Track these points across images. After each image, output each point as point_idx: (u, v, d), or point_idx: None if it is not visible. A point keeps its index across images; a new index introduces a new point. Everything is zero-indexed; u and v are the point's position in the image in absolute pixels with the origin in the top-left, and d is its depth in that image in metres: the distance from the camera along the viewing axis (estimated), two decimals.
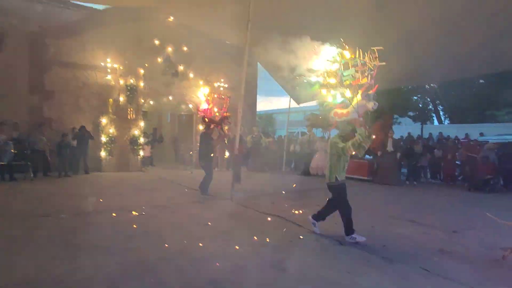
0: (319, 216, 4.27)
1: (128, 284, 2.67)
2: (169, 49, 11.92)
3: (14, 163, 7.68)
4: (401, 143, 11.73)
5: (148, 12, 11.25)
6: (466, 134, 15.73)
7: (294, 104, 14.62)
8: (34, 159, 8.24)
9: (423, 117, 20.57)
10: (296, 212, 5.53)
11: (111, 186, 7.46)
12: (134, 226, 4.30)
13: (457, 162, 10.74)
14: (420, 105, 20.34)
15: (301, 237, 4.08)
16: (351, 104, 3.94)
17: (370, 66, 3.98)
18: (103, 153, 10.32)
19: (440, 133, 16.60)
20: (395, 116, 21.88)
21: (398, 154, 9.92)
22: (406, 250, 3.78)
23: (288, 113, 14.60)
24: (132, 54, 11.00)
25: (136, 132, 10.97)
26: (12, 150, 7.57)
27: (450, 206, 6.80)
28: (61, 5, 9.94)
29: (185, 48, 12.24)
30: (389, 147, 9.99)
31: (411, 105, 19.61)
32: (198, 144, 7.72)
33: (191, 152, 12.48)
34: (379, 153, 10.27)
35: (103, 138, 10.33)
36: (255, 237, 3.98)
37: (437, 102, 20.66)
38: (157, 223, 4.53)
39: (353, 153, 3.92)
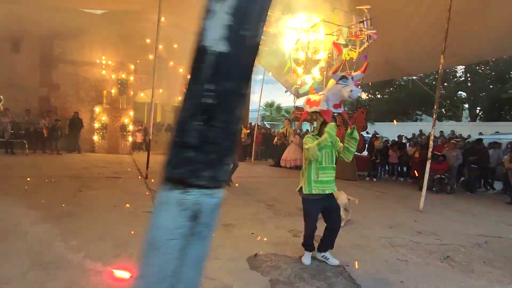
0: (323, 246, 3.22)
1: None
2: (160, 46, 13.29)
3: (12, 140, 9.80)
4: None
5: (141, 14, 12.71)
6: (480, 133, 14.11)
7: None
8: (33, 138, 10.33)
9: (441, 113, 18.75)
10: None
11: (74, 163, 9.04)
12: (26, 187, 5.57)
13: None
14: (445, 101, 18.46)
15: (135, 208, 4.87)
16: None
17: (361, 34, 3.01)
18: (95, 137, 12.18)
19: (452, 131, 15.17)
20: (418, 112, 20.30)
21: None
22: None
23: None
24: (125, 52, 12.64)
25: (126, 120, 12.63)
26: (11, 131, 9.68)
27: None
28: (67, 12, 11.90)
29: (175, 46, 13.50)
30: None
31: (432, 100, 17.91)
32: None
33: None
34: None
35: (96, 124, 12.18)
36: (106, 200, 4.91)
37: (459, 95, 18.58)
38: (51, 187, 5.72)
39: (316, 157, 2.91)
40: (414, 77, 12.93)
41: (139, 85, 13.07)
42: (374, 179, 9.99)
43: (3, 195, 4.92)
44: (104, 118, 12.29)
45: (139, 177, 7.51)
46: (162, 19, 13.31)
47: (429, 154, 5.80)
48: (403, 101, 19.48)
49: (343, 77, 2.84)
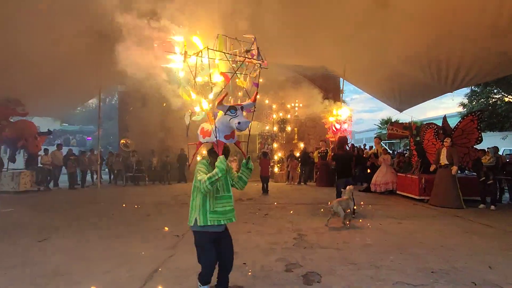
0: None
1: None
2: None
3: (136, 175, 12.63)
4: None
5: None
6: None
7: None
8: (149, 172, 13.04)
9: None
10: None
11: (172, 191, 10.76)
12: (113, 212, 7.11)
13: None
14: None
15: (171, 231, 5.48)
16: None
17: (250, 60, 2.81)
18: None
19: None
20: None
21: (454, 169, 7.70)
22: None
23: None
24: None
25: None
26: (135, 167, 12.54)
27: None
28: None
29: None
30: (443, 159, 7.99)
31: None
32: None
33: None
34: (431, 168, 8.36)
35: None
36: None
37: None
38: (132, 212, 7.11)
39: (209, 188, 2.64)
40: None
41: None
42: (493, 207, 7.52)
43: (93, 217, 6.48)
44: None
45: None
46: None
47: None
48: None
49: (232, 108, 2.67)
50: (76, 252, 4.28)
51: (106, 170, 14.97)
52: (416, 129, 11.55)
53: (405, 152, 14.82)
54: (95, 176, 13.11)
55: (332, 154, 8.29)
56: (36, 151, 10.94)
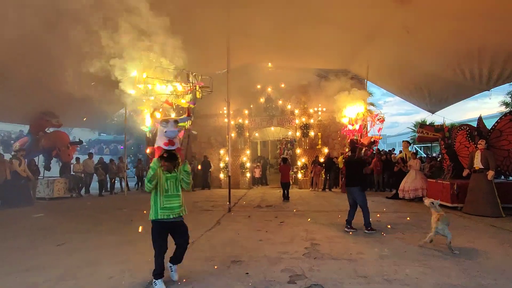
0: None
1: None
2: (269, 89, 14.53)
3: None
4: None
5: (253, 65, 14.52)
6: None
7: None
8: None
9: None
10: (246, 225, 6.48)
11: (194, 197, 10.90)
12: (122, 218, 7.31)
13: None
14: None
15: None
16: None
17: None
18: (221, 175, 14.25)
19: None
20: None
21: (490, 173, 7.01)
22: None
23: None
24: (241, 100, 14.55)
25: (244, 158, 14.21)
26: None
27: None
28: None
29: (282, 85, 14.39)
30: (477, 163, 7.33)
31: None
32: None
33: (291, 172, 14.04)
34: (464, 173, 7.70)
35: (221, 164, 14.30)
36: None
37: None
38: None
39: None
40: None
41: (253, 126, 14.57)
42: None
43: (113, 222, 6.69)
44: (227, 158, 14.30)
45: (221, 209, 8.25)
46: (269, 64, 14.90)
47: None
48: None
49: (164, 121, 3.49)
50: (88, 256, 4.41)
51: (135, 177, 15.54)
52: (448, 131, 10.75)
53: (438, 156, 13.87)
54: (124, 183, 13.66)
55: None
56: (68, 160, 11.63)
